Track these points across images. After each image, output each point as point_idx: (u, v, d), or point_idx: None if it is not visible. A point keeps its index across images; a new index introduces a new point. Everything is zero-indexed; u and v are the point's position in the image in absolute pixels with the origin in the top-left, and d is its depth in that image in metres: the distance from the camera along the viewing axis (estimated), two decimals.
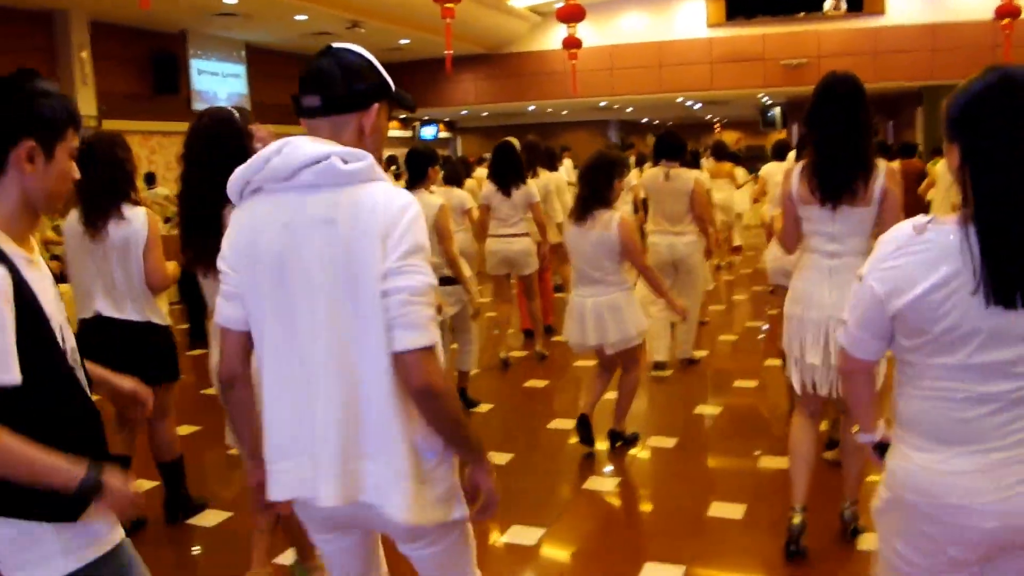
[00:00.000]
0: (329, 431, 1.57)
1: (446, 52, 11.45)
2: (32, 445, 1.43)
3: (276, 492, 1.65)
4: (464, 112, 20.74)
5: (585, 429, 4.22)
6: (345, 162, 1.58)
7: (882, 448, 1.69)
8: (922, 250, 1.46)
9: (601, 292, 4.08)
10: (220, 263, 1.69)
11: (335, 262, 1.56)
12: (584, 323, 4.12)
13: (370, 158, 1.60)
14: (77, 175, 1.63)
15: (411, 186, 4.55)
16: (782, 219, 3.14)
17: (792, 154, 8.08)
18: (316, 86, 1.66)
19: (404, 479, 1.59)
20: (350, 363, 1.56)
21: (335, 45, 1.72)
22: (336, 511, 1.63)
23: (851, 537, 3.18)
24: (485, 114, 20.45)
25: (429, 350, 1.55)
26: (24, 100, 1.53)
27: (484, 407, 5.14)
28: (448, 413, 1.60)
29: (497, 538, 3.42)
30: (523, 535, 3.41)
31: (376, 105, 1.67)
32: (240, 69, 14.79)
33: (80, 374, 1.62)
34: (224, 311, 1.69)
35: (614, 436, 4.27)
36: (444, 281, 4.44)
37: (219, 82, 14.24)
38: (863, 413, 1.75)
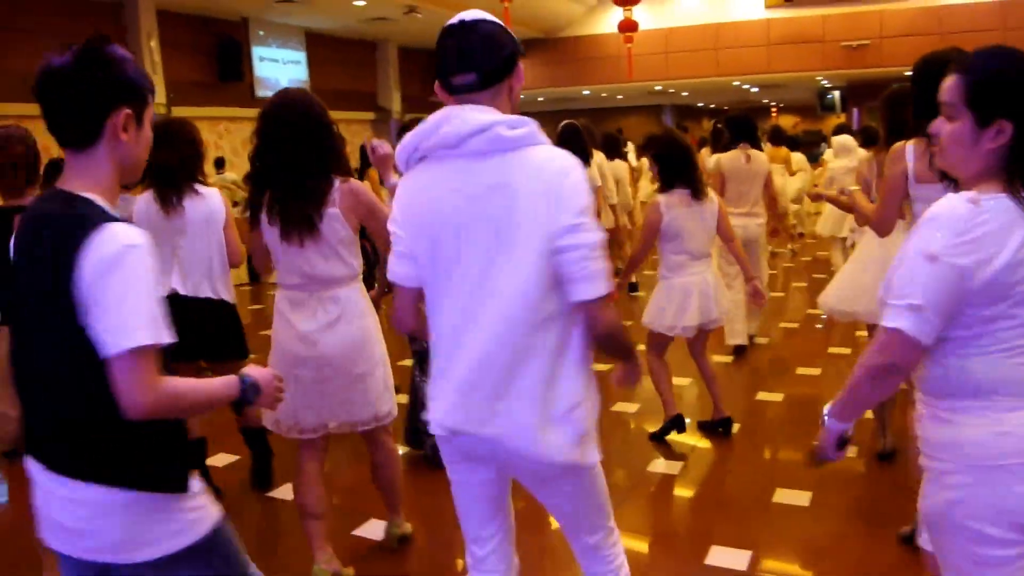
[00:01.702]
0: (474, 372, 1.76)
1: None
2: (187, 380, 1.57)
3: (430, 418, 1.88)
4: (521, 97, 20.77)
5: (678, 427, 4.24)
6: (511, 129, 1.71)
7: (842, 442, 1.73)
8: (991, 219, 1.50)
9: (708, 269, 4.18)
10: (391, 225, 1.86)
11: (502, 222, 1.70)
12: (687, 303, 4.11)
13: (532, 124, 1.73)
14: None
15: None
16: (881, 202, 3.07)
17: (841, 140, 8.00)
18: (468, 64, 1.75)
19: (536, 419, 1.74)
20: (499, 314, 1.72)
21: (467, 19, 1.78)
22: (476, 443, 1.80)
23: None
24: (541, 99, 20.43)
25: (606, 298, 1.71)
26: (115, 67, 1.51)
27: None
28: (623, 346, 1.86)
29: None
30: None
31: (518, 67, 1.81)
32: (300, 56, 15.04)
33: None
34: (396, 269, 1.87)
35: (719, 423, 4.32)
36: None
37: (280, 69, 14.51)
38: (857, 405, 1.71)
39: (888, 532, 3.21)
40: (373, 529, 3.40)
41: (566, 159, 1.72)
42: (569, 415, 1.77)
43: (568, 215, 1.66)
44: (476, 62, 1.74)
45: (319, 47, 15.42)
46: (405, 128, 4.06)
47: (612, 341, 1.80)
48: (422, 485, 3.80)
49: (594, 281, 1.68)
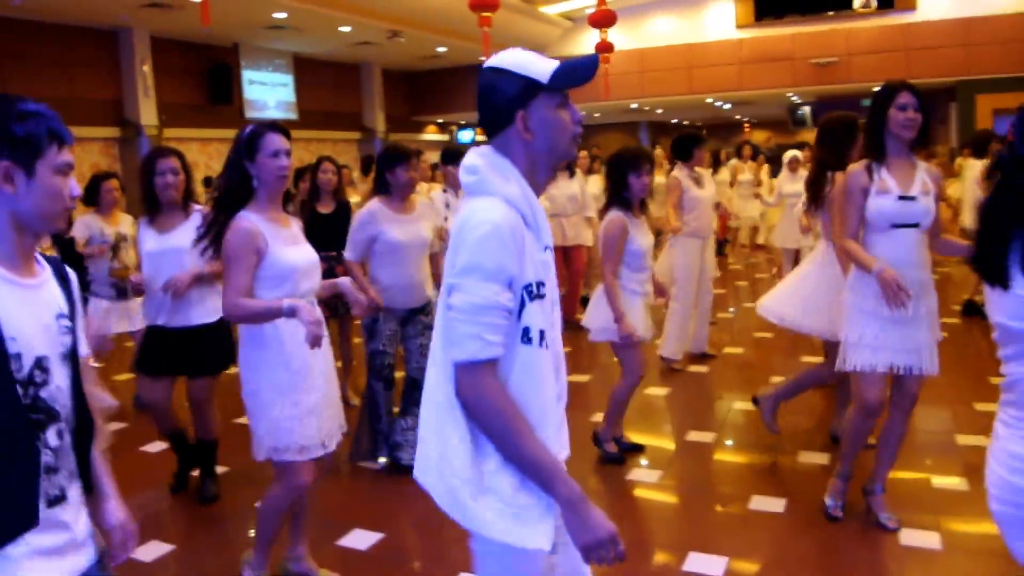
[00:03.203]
0: (424, 422, 1.69)
1: (483, 59, 11.89)
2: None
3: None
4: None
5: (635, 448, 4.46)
6: (467, 175, 1.66)
7: None
8: None
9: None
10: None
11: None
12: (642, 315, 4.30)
13: (481, 173, 1.62)
14: (75, 192, 1.57)
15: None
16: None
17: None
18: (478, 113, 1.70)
19: (448, 475, 1.61)
20: (439, 360, 1.65)
21: (484, 65, 1.70)
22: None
23: (891, 529, 3.40)
24: None
25: (465, 365, 1.55)
26: None
27: None
28: (487, 429, 1.56)
29: None
30: None
31: (520, 113, 1.62)
32: (288, 79, 15.46)
33: (52, 412, 1.51)
34: None
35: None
36: None
37: (269, 91, 14.93)
38: None
39: (862, 535, 3.35)
40: (356, 539, 3.52)
41: (474, 214, 1.57)
42: (488, 480, 1.62)
43: (451, 273, 1.58)
44: (478, 112, 1.69)
45: (306, 70, 15.85)
46: (389, 149, 4.23)
47: (472, 414, 1.57)
48: (385, 494, 4.01)
49: (452, 345, 1.56)
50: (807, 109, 20.88)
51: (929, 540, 3.34)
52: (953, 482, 3.65)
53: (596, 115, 22.01)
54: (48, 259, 1.63)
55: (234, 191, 2.83)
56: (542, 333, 1.60)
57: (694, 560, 3.25)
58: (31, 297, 1.50)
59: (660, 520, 3.84)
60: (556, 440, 1.66)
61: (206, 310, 3.85)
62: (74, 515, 1.55)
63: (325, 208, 5.39)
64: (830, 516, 3.53)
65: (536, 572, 1.64)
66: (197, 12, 7.95)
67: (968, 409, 4.84)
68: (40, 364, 1.47)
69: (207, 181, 12.53)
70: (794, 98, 19.71)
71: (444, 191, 5.03)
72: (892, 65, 14.86)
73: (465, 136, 21.82)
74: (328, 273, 5.31)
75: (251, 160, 2.79)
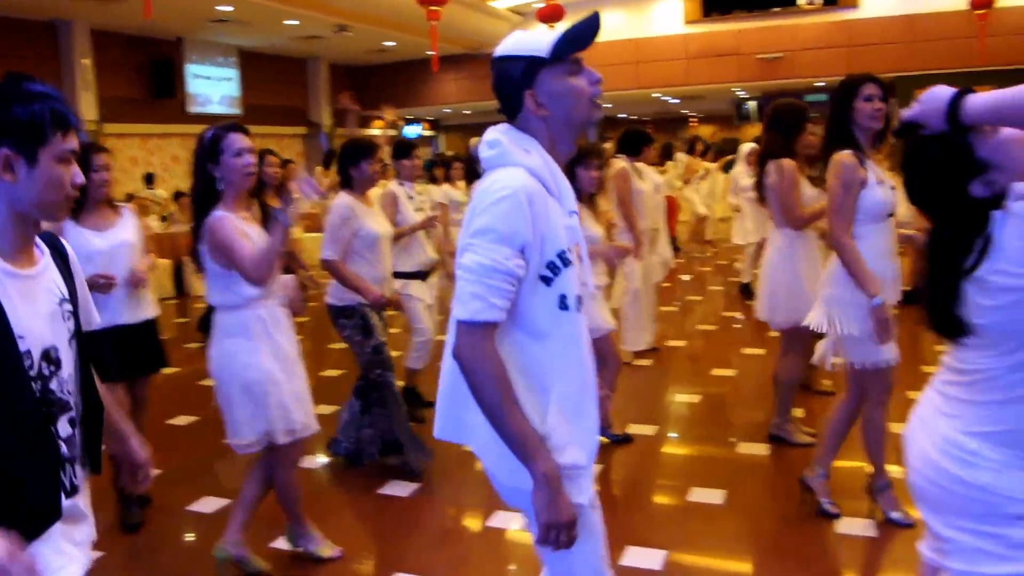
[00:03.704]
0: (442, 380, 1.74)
1: (431, 53, 11.86)
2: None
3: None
4: (447, 111, 21.15)
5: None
6: (488, 148, 1.68)
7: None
8: None
9: None
10: None
11: None
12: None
13: (501, 146, 1.64)
14: (78, 180, 1.50)
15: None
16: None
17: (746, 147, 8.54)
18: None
19: (486, 439, 1.64)
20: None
21: (493, 56, 1.72)
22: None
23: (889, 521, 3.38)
24: (467, 112, 20.86)
25: (465, 324, 1.56)
26: None
27: None
28: (477, 392, 1.57)
29: (480, 524, 3.60)
30: (506, 520, 3.54)
31: (528, 92, 1.65)
32: (233, 73, 15.21)
33: (61, 403, 1.50)
34: None
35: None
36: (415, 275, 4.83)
37: (213, 86, 14.67)
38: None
39: (799, 524, 3.41)
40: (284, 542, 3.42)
41: (494, 183, 1.59)
42: None
43: (466, 235, 1.61)
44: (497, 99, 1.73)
45: (251, 64, 15.61)
46: (352, 143, 4.21)
47: (465, 373, 1.59)
48: (323, 494, 4.02)
49: (458, 303, 1.58)
50: (753, 104, 21.17)
51: (865, 528, 3.38)
52: (889, 470, 3.72)
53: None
54: (43, 237, 1.58)
55: (202, 196, 2.88)
56: (579, 299, 1.64)
57: (632, 554, 3.25)
58: (34, 288, 1.47)
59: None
60: (593, 412, 1.70)
61: (141, 307, 3.78)
62: (86, 502, 1.57)
63: (273, 203, 5.32)
64: (830, 515, 3.47)
65: (590, 525, 1.69)
66: (139, 4, 7.78)
67: (903, 398, 4.95)
68: (48, 355, 1.46)
69: (149, 178, 12.28)
70: (740, 93, 19.97)
71: (401, 184, 4.99)
72: (835, 61, 15.13)
73: (411, 131, 21.65)
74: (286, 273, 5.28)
75: (215, 162, 2.83)
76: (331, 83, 17.55)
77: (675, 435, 4.73)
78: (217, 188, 2.88)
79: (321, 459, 4.44)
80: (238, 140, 2.85)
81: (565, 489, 1.57)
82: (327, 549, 3.32)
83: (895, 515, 3.37)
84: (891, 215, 3.28)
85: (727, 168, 12.28)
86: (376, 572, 3.31)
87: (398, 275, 4.72)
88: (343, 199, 4.04)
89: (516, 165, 1.62)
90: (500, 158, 1.64)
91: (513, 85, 1.66)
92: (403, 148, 5.08)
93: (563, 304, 1.62)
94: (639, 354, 6.18)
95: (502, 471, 1.67)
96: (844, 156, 3.18)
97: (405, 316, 5.05)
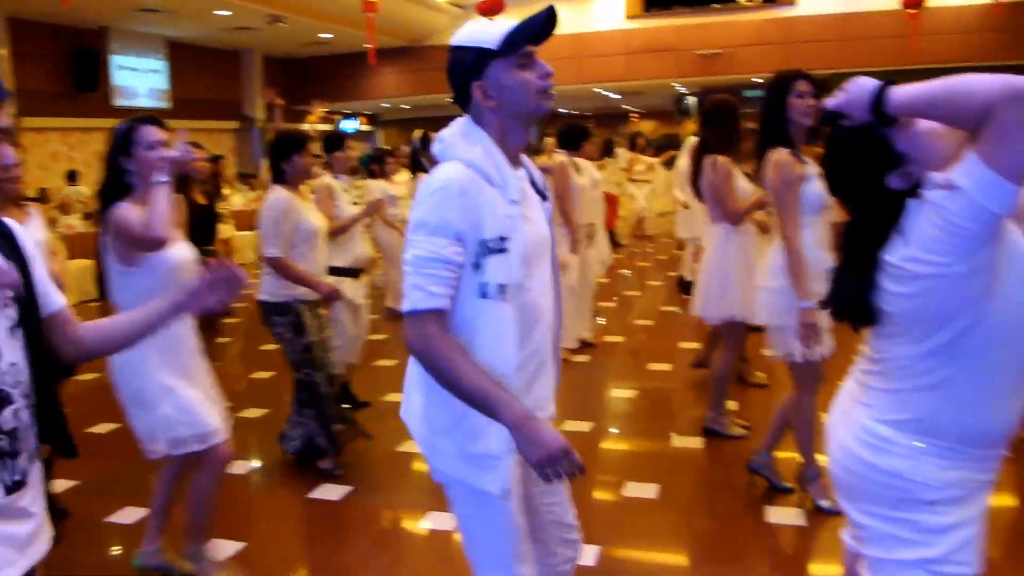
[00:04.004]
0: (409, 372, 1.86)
1: (368, 46, 11.68)
2: None
3: None
4: (385, 105, 20.92)
5: None
6: (437, 143, 1.76)
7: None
8: None
9: None
10: None
11: None
12: None
13: (445, 141, 1.73)
14: (6, 160, 1.56)
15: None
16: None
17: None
18: None
19: (418, 420, 1.81)
20: None
21: (451, 43, 1.77)
22: None
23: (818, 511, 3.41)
24: (406, 107, 20.66)
25: (409, 314, 1.65)
26: None
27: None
28: (433, 372, 1.65)
29: (415, 526, 3.54)
30: (441, 521, 3.48)
31: (476, 83, 1.70)
32: (161, 65, 14.75)
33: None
34: None
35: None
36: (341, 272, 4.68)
37: (139, 78, 14.20)
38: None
39: (731, 516, 3.45)
40: (215, 550, 3.27)
41: (430, 179, 1.68)
42: (450, 427, 1.78)
43: (408, 232, 1.70)
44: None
45: (181, 56, 15.16)
46: (282, 136, 4.09)
47: (420, 360, 1.69)
48: (248, 501, 3.91)
49: (403, 297, 1.69)
50: (693, 100, 21.42)
51: (795, 517, 3.42)
52: (819, 459, 3.72)
53: None
54: None
55: (109, 189, 2.79)
56: (501, 287, 1.68)
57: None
58: None
59: None
60: (526, 397, 1.74)
61: None
62: (32, 499, 1.50)
63: (200, 199, 5.12)
64: (828, 511, 3.41)
65: (501, 516, 1.77)
66: None
67: (831, 388, 4.99)
68: None
69: (71, 175, 11.81)
70: (680, 89, 20.18)
71: (336, 177, 4.83)
72: (773, 57, 15.39)
73: (348, 126, 21.32)
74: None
75: (127, 155, 2.74)
76: (265, 76, 17.16)
77: (611, 430, 4.71)
78: (127, 182, 2.77)
79: (247, 464, 4.28)
80: (151, 133, 2.76)
81: (541, 427, 1.59)
82: None
83: (823, 503, 3.42)
84: (826, 208, 3.31)
85: (669, 163, 12.39)
86: None
87: (330, 271, 4.59)
88: (279, 193, 3.90)
89: (455, 159, 1.69)
90: (442, 153, 1.73)
91: (463, 75, 1.72)
92: (335, 141, 4.94)
93: (483, 292, 1.68)
94: (576, 350, 6.13)
95: (433, 455, 1.79)
96: (781, 155, 3.22)
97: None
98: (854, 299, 1.62)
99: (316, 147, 4.93)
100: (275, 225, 3.81)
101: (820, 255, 3.22)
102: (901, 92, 1.50)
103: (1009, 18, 14.58)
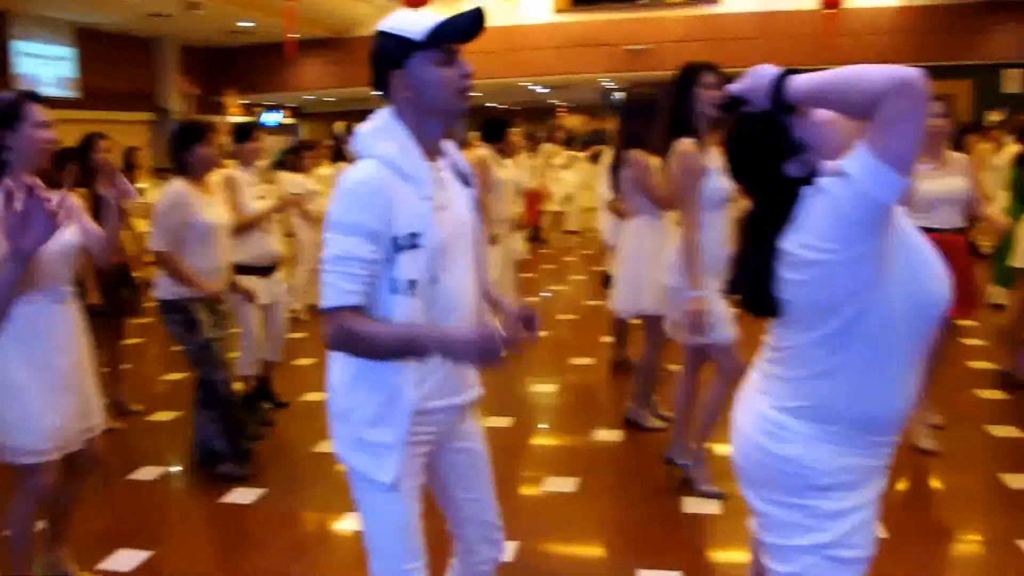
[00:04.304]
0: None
1: (288, 36, 11.41)
2: None
3: None
4: (309, 97, 20.50)
5: None
6: (352, 140, 1.80)
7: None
8: None
9: None
10: None
11: None
12: None
13: (358, 137, 1.76)
14: None
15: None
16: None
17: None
18: None
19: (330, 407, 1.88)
20: None
21: (378, 27, 1.78)
22: None
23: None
24: (330, 99, 20.29)
25: (324, 312, 1.69)
26: None
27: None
28: (360, 353, 1.71)
29: (330, 528, 3.48)
30: (354, 523, 3.48)
31: (396, 72, 1.72)
32: (69, 52, 14.10)
33: None
34: None
35: None
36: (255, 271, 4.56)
37: (45, 66, 13.55)
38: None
39: (648, 506, 3.50)
40: (120, 561, 3.19)
41: (343, 178, 1.72)
42: (347, 414, 1.84)
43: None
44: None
45: (91, 43, 14.53)
46: (184, 126, 3.98)
47: (344, 351, 1.75)
48: (154, 509, 3.72)
49: (321, 296, 1.72)
50: (620, 95, 21.59)
51: (709, 506, 3.47)
52: (729, 449, 3.81)
53: None
54: None
55: None
56: (411, 283, 1.71)
57: None
58: None
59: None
60: (442, 387, 1.82)
61: None
62: None
63: (106, 191, 4.87)
64: (715, 496, 3.50)
65: (392, 506, 1.81)
66: None
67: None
68: None
69: None
70: (608, 84, 20.33)
71: (243, 169, 4.64)
72: (699, 54, 15.33)
73: (271, 118, 20.80)
74: (118, 269, 4.82)
75: (11, 129, 2.55)
76: (182, 66, 16.59)
77: (532, 425, 4.70)
78: (3, 159, 2.56)
79: (156, 469, 4.12)
80: (41, 112, 2.60)
81: (458, 333, 1.64)
82: None
83: (705, 488, 3.53)
84: (728, 202, 3.36)
85: (595, 158, 12.43)
86: None
87: (237, 269, 4.43)
88: (175, 185, 3.77)
89: (370, 156, 1.72)
90: (357, 150, 1.75)
91: (384, 62, 1.73)
92: (244, 131, 4.75)
93: (393, 288, 1.71)
94: None
95: (334, 440, 1.87)
96: (686, 146, 3.24)
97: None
98: (754, 288, 1.63)
99: (224, 139, 4.77)
100: (163, 218, 3.69)
101: (722, 250, 3.26)
102: (800, 80, 1.52)
103: (919, 21, 15.12)
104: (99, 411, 2.83)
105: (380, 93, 1.78)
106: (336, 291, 1.67)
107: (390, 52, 1.72)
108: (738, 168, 1.72)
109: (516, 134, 6.17)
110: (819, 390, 1.60)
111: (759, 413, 1.70)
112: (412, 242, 1.69)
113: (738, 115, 1.66)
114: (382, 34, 1.74)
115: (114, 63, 15.08)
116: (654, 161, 4.19)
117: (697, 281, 3.19)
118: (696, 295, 3.18)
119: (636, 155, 4.22)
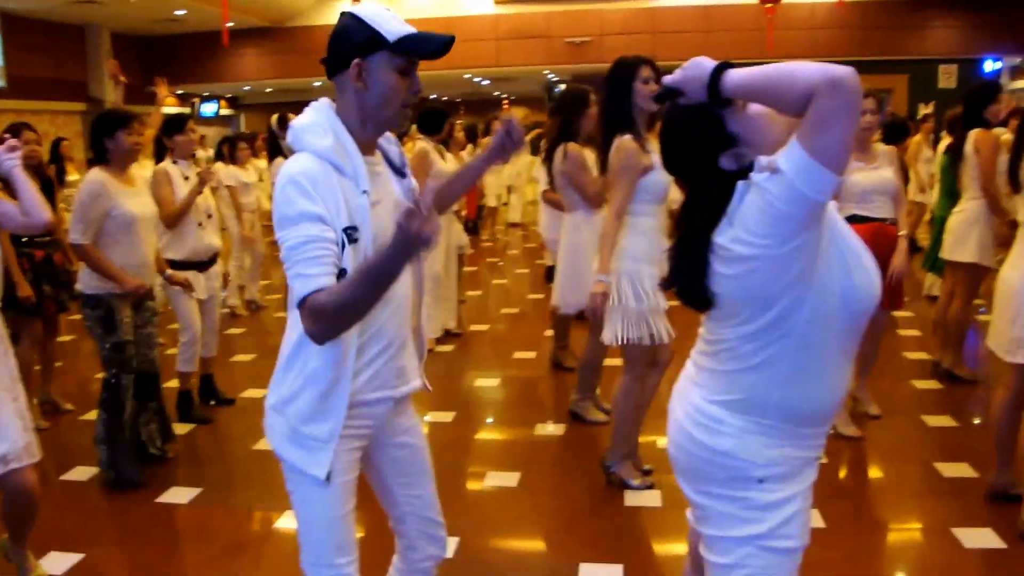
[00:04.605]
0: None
1: (224, 24, 11.14)
2: None
3: None
4: (247, 88, 20.09)
5: None
6: (288, 133, 1.78)
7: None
8: None
9: None
10: None
11: None
12: None
13: (294, 130, 1.74)
14: None
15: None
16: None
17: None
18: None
19: (267, 403, 1.88)
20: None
21: (343, 10, 1.79)
22: None
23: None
24: (269, 90, 19.91)
25: (301, 305, 1.64)
26: None
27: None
28: (348, 319, 1.65)
29: (270, 525, 3.44)
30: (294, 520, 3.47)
31: (356, 61, 1.70)
32: None
33: None
34: None
35: None
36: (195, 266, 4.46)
37: None
38: None
39: (590, 500, 3.51)
40: (51, 563, 3.10)
41: (281, 172, 1.71)
42: (283, 406, 1.83)
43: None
44: (326, 55, 1.76)
45: (17, 30, 13.93)
46: (107, 113, 3.83)
47: (331, 329, 1.69)
48: (88, 511, 3.63)
49: (290, 292, 1.69)
50: (563, 87, 21.61)
51: (650, 499, 3.50)
52: (665, 441, 3.87)
53: None
54: None
55: None
56: (344, 272, 1.69)
57: None
58: None
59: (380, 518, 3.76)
60: (376, 380, 1.82)
61: None
62: None
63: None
64: (648, 487, 3.54)
65: (324, 501, 1.81)
66: None
67: (678, 371, 5.15)
68: None
69: None
70: (550, 76, 20.36)
71: (175, 163, 4.47)
72: (640, 46, 15.60)
73: (208, 109, 20.30)
74: (45, 262, 4.65)
75: None
76: (114, 54, 16.06)
77: (474, 420, 4.69)
78: None
79: (89, 470, 4.00)
80: None
81: (393, 250, 1.55)
82: None
83: (631, 482, 3.56)
84: (667, 197, 3.39)
85: (535, 147, 12.43)
86: None
87: (169, 264, 4.35)
88: (94, 175, 3.64)
89: (305, 150, 1.70)
90: (292, 143, 1.74)
91: (349, 46, 1.71)
92: (176, 123, 4.59)
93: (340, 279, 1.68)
94: (441, 339, 6.08)
95: (268, 433, 1.87)
96: (627, 142, 3.24)
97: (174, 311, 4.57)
98: (689, 281, 1.63)
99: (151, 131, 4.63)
100: (82, 209, 3.56)
101: (660, 243, 3.29)
102: (736, 74, 1.52)
103: (857, 16, 15.46)
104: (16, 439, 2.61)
105: (328, 72, 1.76)
106: (302, 280, 1.63)
107: (358, 40, 1.70)
108: (673, 159, 1.72)
109: (458, 128, 6.15)
110: (751, 383, 1.61)
111: (693, 405, 1.71)
112: (353, 236, 1.69)
113: (673, 106, 1.66)
114: (354, 18, 1.72)
115: (42, 51, 14.50)
116: (589, 155, 4.21)
117: (606, 267, 3.23)
118: (601, 279, 3.22)
119: (571, 149, 4.22)
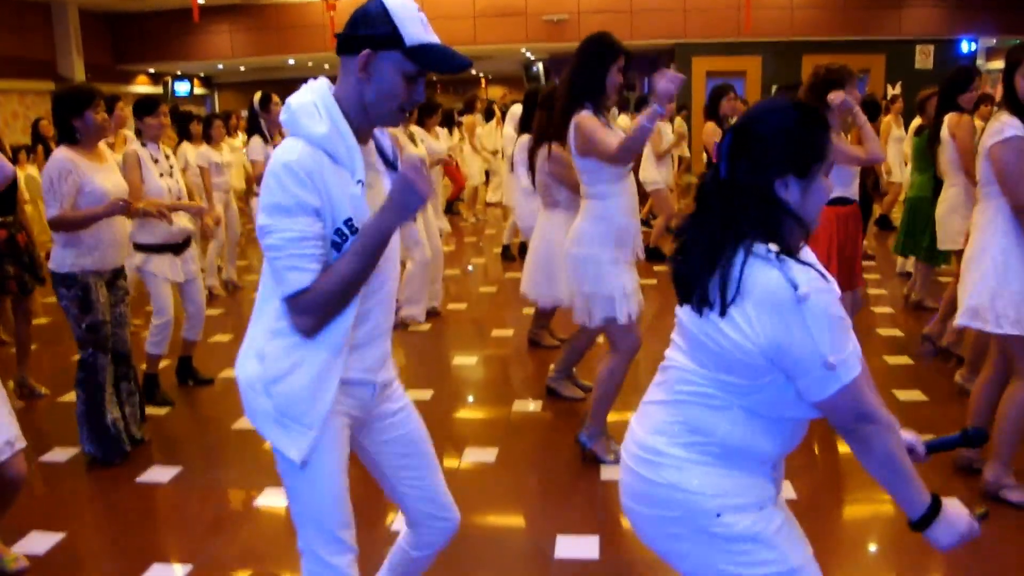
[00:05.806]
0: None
1: (201, 2, 10.96)
2: None
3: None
4: (220, 67, 19.82)
5: None
6: (284, 113, 1.71)
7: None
8: None
9: None
10: None
11: None
12: None
13: (290, 112, 1.68)
14: None
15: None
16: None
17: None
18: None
19: (245, 378, 1.80)
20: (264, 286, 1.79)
21: None
22: None
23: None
24: (243, 68, 19.65)
25: (290, 299, 1.67)
26: None
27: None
28: (343, 299, 1.67)
29: (250, 504, 3.43)
30: (276, 498, 3.40)
31: (366, 51, 1.65)
32: None
33: None
34: None
35: None
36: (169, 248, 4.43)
37: None
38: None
39: (567, 475, 3.55)
40: (33, 543, 3.10)
41: (274, 157, 1.67)
42: (267, 387, 1.78)
43: (260, 215, 1.68)
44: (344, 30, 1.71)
45: None
46: (71, 91, 3.78)
47: (322, 318, 1.71)
48: (68, 491, 3.63)
49: (278, 283, 1.69)
50: (540, 65, 21.54)
51: None
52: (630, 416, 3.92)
53: (326, 67, 21.23)
54: None
55: None
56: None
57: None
58: None
59: (371, 484, 3.75)
60: (363, 360, 1.80)
61: None
62: None
63: None
64: (612, 463, 3.54)
65: (307, 481, 1.79)
66: None
67: (649, 354, 5.21)
68: None
69: None
70: (528, 54, 20.24)
71: (144, 145, 4.41)
72: (617, 25, 15.61)
73: (182, 88, 19.99)
74: (8, 243, 4.61)
75: None
76: (83, 32, 15.77)
77: (452, 397, 4.72)
78: None
79: (68, 451, 3.99)
80: None
81: (388, 211, 1.64)
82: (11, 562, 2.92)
83: (604, 458, 3.59)
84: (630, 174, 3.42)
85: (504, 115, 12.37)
86: (133, 566, 2.97)
87: (140, 248, 4.33)
88: (60, 153, 3.60)
89: (299, 136, 1.66)
90: (288, 126, 1.69)
91: (365, 33, 1.66)
92: (147, 104, 4.53)
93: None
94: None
95: (251, 415, 1.81)
96: (586, 116, 3.23)
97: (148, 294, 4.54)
98: (690, 275, 1.55)
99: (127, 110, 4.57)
100: (53, 186, 3.53)
101: (628, 220, 3.35)
102: None
103: None
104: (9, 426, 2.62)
105: (339, 52, 1.72)
106: (298, 274, 1.64)
107: (376, 31, 1.64)
108: (756, 162, 1.52)
109: (436, 111, 6.14)
110: (698, 413, 1.57)
111: (635, 442, 1.67)
112: (353, 227, 1.67)
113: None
114: (384, 8, 1.65)
115: (7, 29, 14.21)
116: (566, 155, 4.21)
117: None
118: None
119: (556, 150, 4.22)
